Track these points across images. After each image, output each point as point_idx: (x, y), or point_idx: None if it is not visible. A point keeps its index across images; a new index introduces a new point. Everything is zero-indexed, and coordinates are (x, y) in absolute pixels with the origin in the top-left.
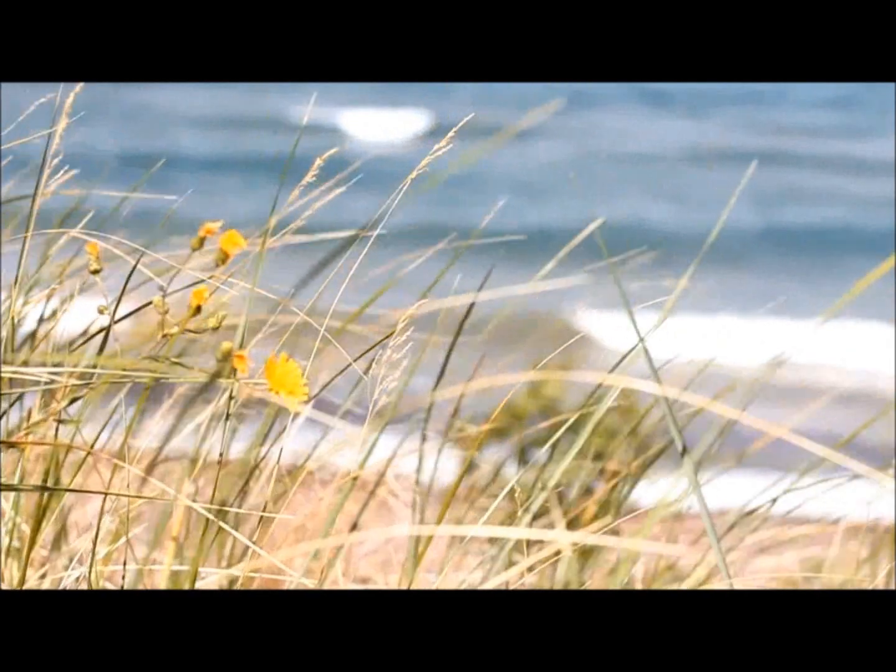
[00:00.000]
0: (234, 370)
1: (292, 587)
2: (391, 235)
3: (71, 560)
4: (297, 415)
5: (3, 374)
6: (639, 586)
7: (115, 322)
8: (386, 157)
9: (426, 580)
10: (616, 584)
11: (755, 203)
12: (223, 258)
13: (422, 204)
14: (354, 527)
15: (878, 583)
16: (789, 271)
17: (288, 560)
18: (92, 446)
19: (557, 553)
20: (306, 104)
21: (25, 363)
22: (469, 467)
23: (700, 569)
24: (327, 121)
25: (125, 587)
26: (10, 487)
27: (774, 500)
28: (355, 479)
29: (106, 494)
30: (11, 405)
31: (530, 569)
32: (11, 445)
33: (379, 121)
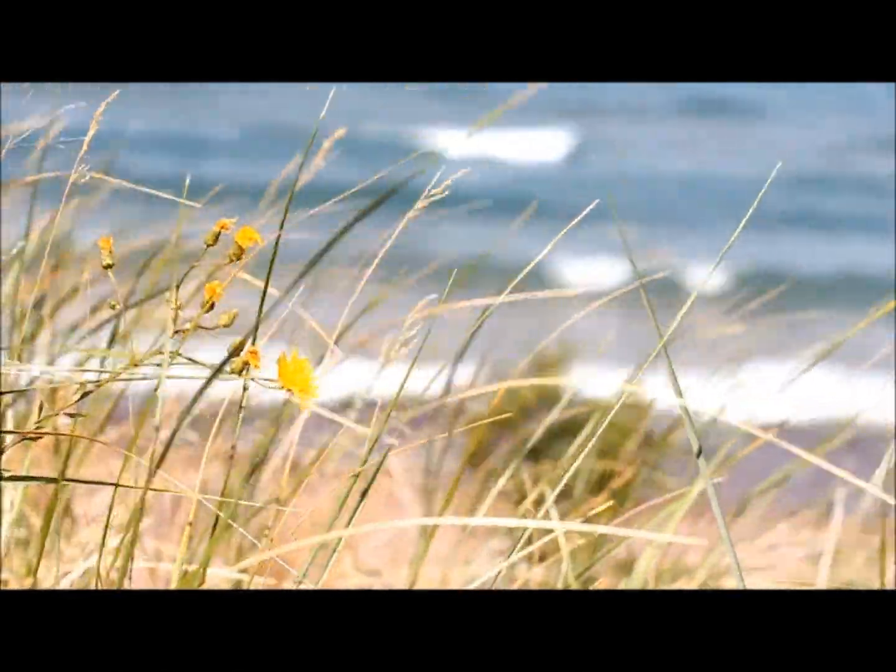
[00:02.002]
0: (246, 365)
1: (297, 582)
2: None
3: (82, 551)
4: (307, 411)
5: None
6: (646, 583)
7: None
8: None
9: (434, 574)
10: (633, 581)
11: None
12: (238, 253)
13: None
14: (350, 520)
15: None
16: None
17: (293, 556)
18: (90, 436)
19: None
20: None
21: (21, 355)
22: (473, 459)
23: (707, 566)
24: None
25: (132, 579)
26: (19, 478)
27: None
28: (356, 475)
29: (116, 486)
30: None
31: (541, 559)
32: (24, 438)
33: (525, 141)
